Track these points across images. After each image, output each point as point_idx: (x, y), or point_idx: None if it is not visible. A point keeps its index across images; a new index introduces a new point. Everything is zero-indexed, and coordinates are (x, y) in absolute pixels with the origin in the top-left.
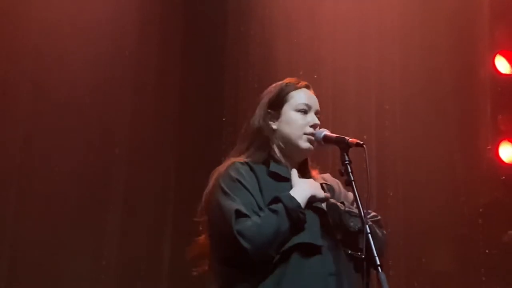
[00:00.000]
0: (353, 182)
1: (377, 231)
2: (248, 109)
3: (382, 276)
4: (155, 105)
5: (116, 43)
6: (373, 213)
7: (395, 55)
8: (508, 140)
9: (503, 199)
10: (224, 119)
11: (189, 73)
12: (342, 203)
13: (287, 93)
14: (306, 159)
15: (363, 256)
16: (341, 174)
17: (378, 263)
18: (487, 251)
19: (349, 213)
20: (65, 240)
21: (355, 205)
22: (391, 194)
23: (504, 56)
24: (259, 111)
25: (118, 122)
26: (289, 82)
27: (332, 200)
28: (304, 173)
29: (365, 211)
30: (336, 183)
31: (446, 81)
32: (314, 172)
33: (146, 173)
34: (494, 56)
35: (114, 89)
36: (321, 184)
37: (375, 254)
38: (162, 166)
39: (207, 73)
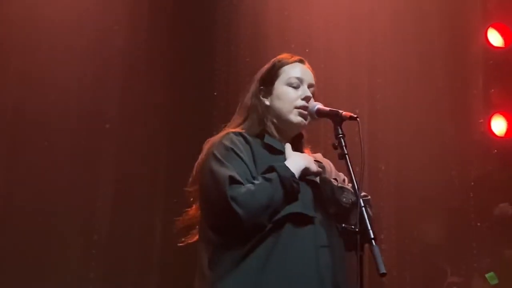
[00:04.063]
0: (346, 156)
1: (368, 210)
2: (240, 83)
3: (376, 249)
4: (145, 80)
5: (105, 16)
6: (364, 193)
7: (387, 28)
8: (500, 114)
9: (495, 172)
10: (215, 93)
11: (180, 47)
12: (335, 179)
13: (279, 68)
14: (300, 136)
15: (357, 229)
16: (335, 148)
17: (372, 236)
18: (478, 224)
19: (342, 188)
20: (56, 214)
21: (347, 182)
22: (382, 168)
23: (496, 28)
24: (252, 88)
25: (108, 98)
26: (282, 58)
27: (325, 175)
28: (297, 149)
29: (358, 185)
30: (327, 163)
31: (439, 55)
32: (306, 151)
33: (137, 148)
34: (487, 29)
35: (103, 64)
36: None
37: (369, 227)
38: (153, 142)
39: (198, 47)
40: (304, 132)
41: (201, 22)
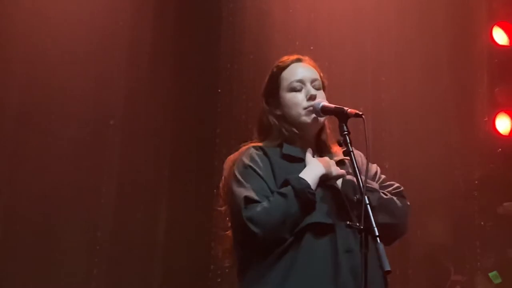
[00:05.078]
0: (351, 153)
1: (398, 202)
2: (243, 81)
3: (380, 247)
4: (150, 76)
5: (110, 14)
6: (396, 184)
7: (391, 27)
8: (505, 112)
9: (499, 171)
10: (219, 90)
11: (184, 44)
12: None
13: (278, 77)
14: (321, 136)
15: (361, 227)
16: (340, 145)
17: (377, 233)
18: (482, 223)
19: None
20: (60, 211)
21: (379, 173)
22: (386, 166)
23: (501, 27)
24: (262, 105)
25: (113, 94)
26: (279, 64)
27: (349, 177)
28: (322, 151)
29: (363, 182)
30: (358, 156)
31: (443, 53)
32: (335, 148)
33: (141, 145)
34: (492, 27)
35: (108, 60)
36: (341, 160)
37: (373, 225)
38: (157, 139)
39: (202, 45)
40: (326, 125)
41: (206, 19)
